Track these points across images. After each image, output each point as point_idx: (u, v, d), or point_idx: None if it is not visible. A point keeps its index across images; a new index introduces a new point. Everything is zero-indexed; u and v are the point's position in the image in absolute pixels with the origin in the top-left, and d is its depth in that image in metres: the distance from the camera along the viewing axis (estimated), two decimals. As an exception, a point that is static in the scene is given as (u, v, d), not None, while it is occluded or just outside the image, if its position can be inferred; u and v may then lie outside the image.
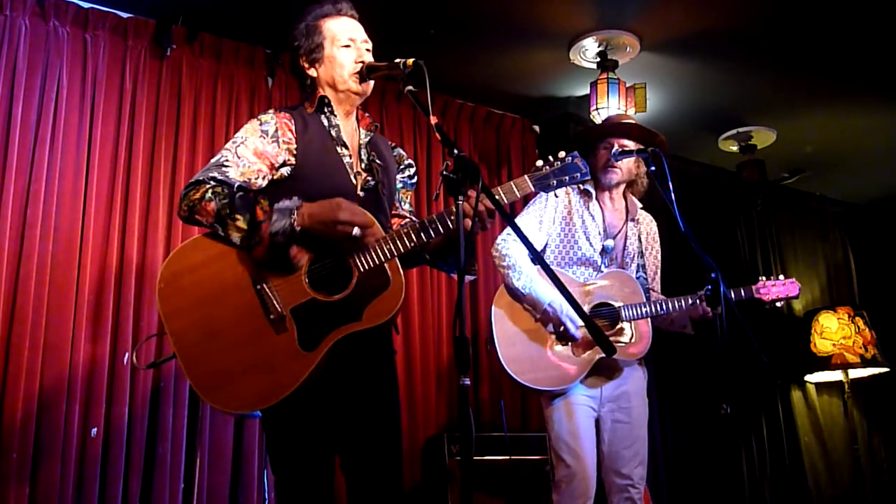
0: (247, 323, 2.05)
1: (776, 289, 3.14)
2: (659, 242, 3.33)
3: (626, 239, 3.20)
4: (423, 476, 4.06)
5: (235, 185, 2.09)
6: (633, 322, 3.04)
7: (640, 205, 3.30)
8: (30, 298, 3.28)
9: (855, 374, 5.55)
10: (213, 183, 2.08)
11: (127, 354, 3.43)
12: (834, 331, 5.56)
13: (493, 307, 3.06)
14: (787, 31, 4.19)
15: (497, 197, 2.09)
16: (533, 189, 2.17)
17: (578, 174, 2.17)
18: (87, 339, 3.40)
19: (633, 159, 3.19)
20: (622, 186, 3.24)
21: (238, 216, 2.02)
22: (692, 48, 4.33)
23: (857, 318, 5.57)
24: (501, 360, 2.96)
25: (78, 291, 3.41)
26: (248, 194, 2.09)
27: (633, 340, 3.03)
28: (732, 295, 3.07)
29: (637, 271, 3.21)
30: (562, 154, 2.18)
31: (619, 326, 3.02)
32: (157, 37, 3.84)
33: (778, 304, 3.15)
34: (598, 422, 3.04)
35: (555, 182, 2.16)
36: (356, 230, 2.03)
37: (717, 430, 4.96)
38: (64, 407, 3.28)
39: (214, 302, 2.06)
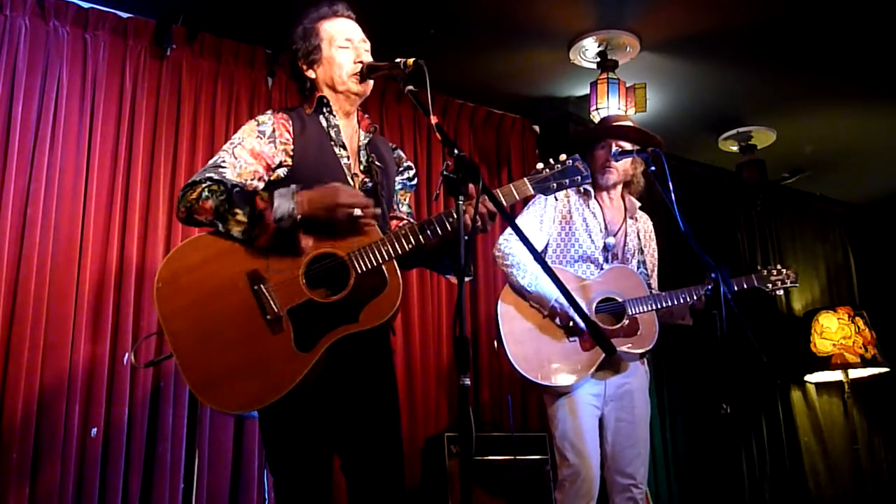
0: (244, 323, 2.04)
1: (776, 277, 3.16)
2: (655, 240, 3.34)
3: (626, 236, 3.21)
4: (423, 476, 4.06)
5: (231, 184, 2.09)
6: (639, 317, 3.03)
7: (638, 203, 3.30)
8: (30, 298, 3.28)
9: (855, 374, 5.55)
10: (208, 182, 2.08)
11: (127, 354, 3.43)
12: (834, 331, 5.56)
13: (498, 306, 3.05)
14: (787, 30, 4.19)
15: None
16: (532, 192, 2.15)
17: (579, 177, 2.15)
18: (87, 339, 3.40)
19: (630, 160, 3.20)
20: (619, 186, 3.26)
21: (237, 210, 2.02)
22: (692, 48, 4.33)
23: (857, 319, 5.57)
24: (511, 359, 2.96)
25: (78, 291, 3.41)
26: (245, 189, 2.09)
27: (639, 335, 3.02)
28: (735, 286, 3.08)
29: (638, 267, 3.22)
30: (563, 157, 2.15)
31: (625, 320, 3.01)
32: (157, 37, 3.84)
33: (779, 293, 3.17)
34: (601, 421, 3.04)
35: (555, 185, 2.14)
36: (357, 210, 2.03)
37: (717, 430, 4.96)
38: (64, 407, 3.28)
39: (212, 302, 2.06)
